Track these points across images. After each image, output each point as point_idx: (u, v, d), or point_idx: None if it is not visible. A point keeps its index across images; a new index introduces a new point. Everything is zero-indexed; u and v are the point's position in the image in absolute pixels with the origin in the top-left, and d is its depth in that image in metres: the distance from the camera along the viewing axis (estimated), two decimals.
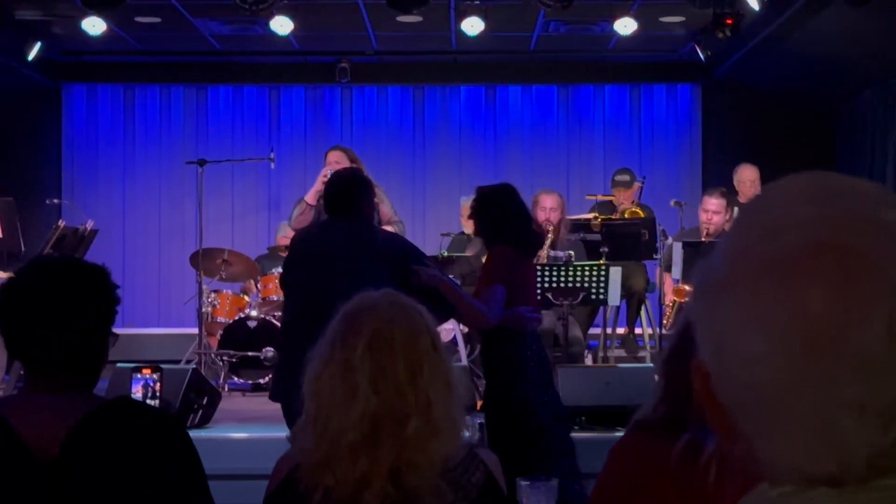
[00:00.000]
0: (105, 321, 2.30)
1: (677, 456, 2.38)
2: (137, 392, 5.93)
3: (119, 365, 6.13)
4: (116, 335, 2.36)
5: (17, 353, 2.28)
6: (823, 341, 0.82)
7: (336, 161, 7.76)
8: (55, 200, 10.37)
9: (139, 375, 5.98)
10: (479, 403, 7.02)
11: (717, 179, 10.18)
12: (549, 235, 7.78)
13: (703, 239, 8.16)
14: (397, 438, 2.12)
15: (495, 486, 2.23)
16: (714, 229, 8.30)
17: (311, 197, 7.67)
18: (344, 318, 2.23)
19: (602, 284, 7.39)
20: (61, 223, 8.42)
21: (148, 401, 5.86)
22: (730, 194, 8.78)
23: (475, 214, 5.43)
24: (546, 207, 8.01)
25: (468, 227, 9.29)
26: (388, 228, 7.05)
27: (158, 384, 5.98)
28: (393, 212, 7.73)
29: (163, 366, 6.38)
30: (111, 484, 2.08)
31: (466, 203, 9.35)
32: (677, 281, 8.04)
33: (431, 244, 10.28)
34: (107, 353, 2.33)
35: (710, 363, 0.90)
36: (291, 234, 8.07)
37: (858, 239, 0.85)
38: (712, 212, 8.35)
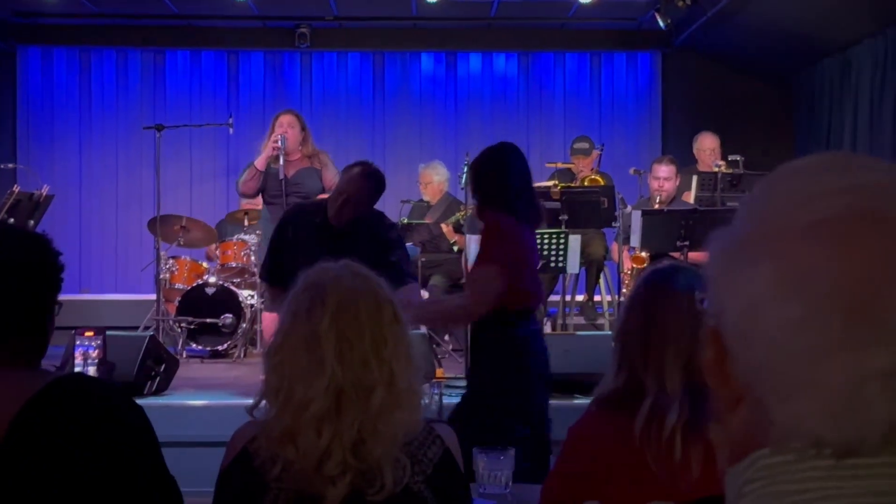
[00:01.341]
0: (49, 290, 2.20)
1: (640, 429, 2.39)
2: (78, 358, 5.84)
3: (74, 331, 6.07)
4: (60, 303, 2.27)
5: None
6: (861, 306, 0.84)
7: (289, 124, 7.51)
8: (10, 165, 10.22)
9: (79, 341, 5.87)
10: (440, 371, 7.07)
11: (677, 148, 10.23)
12: None
13: (656, 206, 8.16)
14: (361, 410, 2.12)
15: (452, 461, 2.24)
16: (666, 196, 8.30)
17: (260, 163, 7.42)
18: (306, 290, 2.21)
19: (561, 252, 7.42)
20: (16, 188, 8.31)
21: (88, 367, 5.76)
22: (682, 161, 8.79)
23: (472, 176, 4.90)
24: None
25: (427, 194, 9.28)
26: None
27: (98, 350, 5.88)
28: (336, 175, 7.34)
29: (120, 332, 6.33)
30: (61, 466, 2.01)
31: (426, 170, 9.35)
32: (633, 249, 8.04)
33: (391, 211, 10.24)
34: (53, 322, 2.24)
35: (732, 326, 0.90)
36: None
37: (891, 207, 0.87)
38: (663, 178, 8.33)
